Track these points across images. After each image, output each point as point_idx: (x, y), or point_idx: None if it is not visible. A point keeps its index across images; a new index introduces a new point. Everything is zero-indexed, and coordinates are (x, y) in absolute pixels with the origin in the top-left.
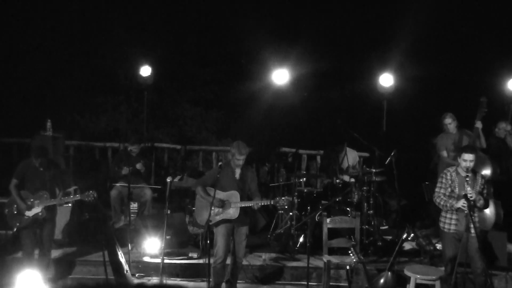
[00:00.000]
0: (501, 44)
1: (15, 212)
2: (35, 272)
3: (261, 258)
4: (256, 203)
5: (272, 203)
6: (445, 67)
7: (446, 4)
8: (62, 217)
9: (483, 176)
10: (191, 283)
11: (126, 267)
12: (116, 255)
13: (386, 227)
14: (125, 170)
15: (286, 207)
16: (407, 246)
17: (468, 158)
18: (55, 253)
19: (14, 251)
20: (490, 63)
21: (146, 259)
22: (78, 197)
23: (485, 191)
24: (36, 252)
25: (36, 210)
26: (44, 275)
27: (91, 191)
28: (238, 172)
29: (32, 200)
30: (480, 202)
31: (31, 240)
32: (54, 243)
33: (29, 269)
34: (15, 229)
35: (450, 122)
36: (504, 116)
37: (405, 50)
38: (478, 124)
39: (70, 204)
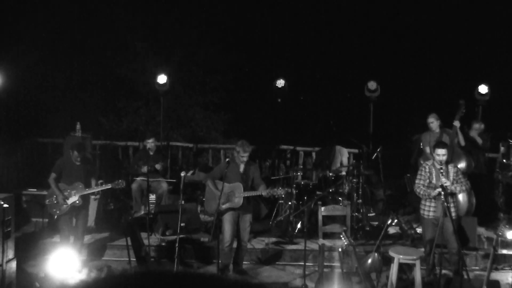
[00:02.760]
0: (471, 55)
1: (55, 202)
2: (70, 252)
3: (264, 242)
4: (260, 193)
5: (270, 192)
6: (422, 75)
7: (425, 19)
8: (91, 207)
9: (455, 166)
10: (202, 265)
11: (145, 250)
12: (137, 240)
13: (373, 214)
14: (144, 169)
15: (283, 196)
16: (392, 230)
17: (440, 153)
18: (85, 239)
19: (51, 235)
20: (462, 70)
21: (163, 243)
22: (109, 185)
23: (460, 178)
24: (71, 237)
25: (73, 199)
26: (77, 257)
27: (120, 180)
28: (242, 166)
29: (69, 190)
30: (458, 189)
31: (68, 226)
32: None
33: (64, 250)
34: (55, 217)
35: (432, 121)
36: (475, 117)
37: (388, 60)
38: (456, 123)
39: (98, 195)
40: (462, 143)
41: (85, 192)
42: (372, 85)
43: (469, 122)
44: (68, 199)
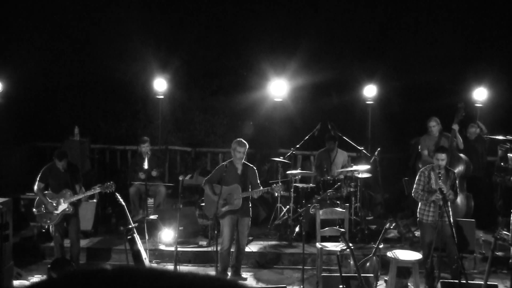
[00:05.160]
0: (468, 57)
1: (44, 211)
2: (66, 260)
3: (262, 246)
4: (255, 191)
5: (269, 190)
6: (419, 79)
7: (424, 22)
8: (89, 211)
9: (454, 173)
10: (201, 268)
11: (144, 254)
12: (136, 244)
13: (372, 217)
14: (140, 175)
15: (282, 192)
16: (390, 234)
17: (440, 158)
18: (84, 243)
19: (49, 240)
20: (459, 73)
21: (162, 247)
22: (98, 189)
23: (456, 187)
24: (67, 242)
25: (63, 207)
26: (75, 263)
27: (109, 183)
28: (240, 169)
29: (57, 199)
30: (450, 197)
31: (60, 234)
32: (82, 234)
33: (60, 257)
34: (46, 226)
35: (434, 125)
36: (472, 120)
37: (386, 64)
38: (455, 126)
39: (95, 200)
40: (461, 146)
41: (74, 199)
42: None
43: (466, 125)
44: (57, 208)
